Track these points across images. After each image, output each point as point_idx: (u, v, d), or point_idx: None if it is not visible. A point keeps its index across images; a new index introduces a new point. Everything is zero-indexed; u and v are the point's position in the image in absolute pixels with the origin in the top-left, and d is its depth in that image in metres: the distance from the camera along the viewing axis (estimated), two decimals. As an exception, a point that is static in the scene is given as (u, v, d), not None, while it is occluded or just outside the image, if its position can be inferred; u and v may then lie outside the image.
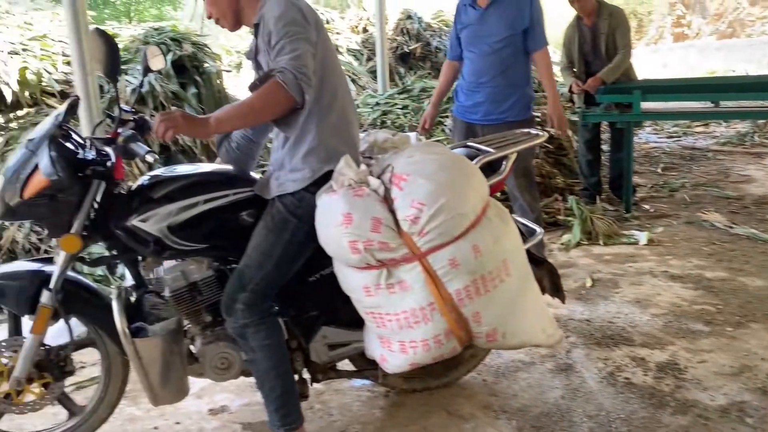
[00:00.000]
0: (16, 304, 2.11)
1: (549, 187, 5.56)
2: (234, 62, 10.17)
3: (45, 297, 2.06)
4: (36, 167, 1.95)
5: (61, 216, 2.02)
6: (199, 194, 2.07)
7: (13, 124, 5.27)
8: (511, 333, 2.00)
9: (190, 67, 6.07)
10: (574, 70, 5.34)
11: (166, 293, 2.13)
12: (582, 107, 5.30)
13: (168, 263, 2.15)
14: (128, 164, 4.55)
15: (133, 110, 2.18)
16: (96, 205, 2.05)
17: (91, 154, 2.06)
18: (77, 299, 2.15)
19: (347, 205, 1.85)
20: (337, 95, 2.07)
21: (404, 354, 1.97)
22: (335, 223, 1.87)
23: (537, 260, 2.40)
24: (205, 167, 2.28)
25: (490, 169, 2.25)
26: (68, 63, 5.64)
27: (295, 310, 2.24)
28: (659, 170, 6.88)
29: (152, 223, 2.03)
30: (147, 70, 2.17)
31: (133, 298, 2.19)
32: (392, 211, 1.86)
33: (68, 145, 2.04)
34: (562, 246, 4.53)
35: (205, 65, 6.21)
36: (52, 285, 2.06)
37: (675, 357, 2.82)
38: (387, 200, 1.88)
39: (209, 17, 2.07)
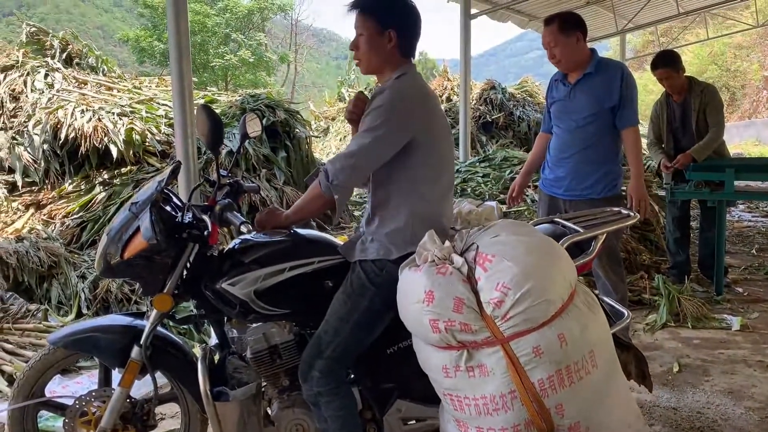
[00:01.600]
0: (109, 357, 2.21)
1: (634, 263, 5.39)
2: (321, 127, 10.59)
3: (135, 352, 2.16)
4: (137, 229, 2.06)
5: (156, 276, 2.11)
6: (286, 261, 2.12)
7: (117, 180, 5.66)
8: (594, 428, 1.87)
9: (281, 132, 6.37)
10: (663, 146, 5.24)
11: (248, 354, 2.17)
12: (670, 183, 5.17)
13: (252, 325, 2.20)
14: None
15: (229, 175, 2.30)
16: (189, 266, 2.14)
17: (188, 218, 2.16)
18: (164, 355, 2.23)
19: (430, 283, 1.83)
20: (439, 184, 2.10)
21: None
22: (417, 299, 1.85)
23: (623, 344, 2.29)
24: (294, 233, 2.31)
25: (577, 248, 2.19)
26: (170, 126, 6.04)
27: (371, 380, 2.21)
28: (753, 251, 6.54)
29: (240, 287, 2.09)
30: (245, 136, 2.32)
31: (216, 359, 2.26)
32: (475, 292, 1.81)
33: (168, 208, 2.16)
34: (647, 326, 4.34)
35: (296, 131, 6.50)
36: (142, 341, 2.15)
37: (772, 457, 2.62)
38: (470, 280, 1.84)
39: (352, 49, 2.14)
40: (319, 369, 2.04)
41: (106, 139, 5.62)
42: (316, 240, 2.29)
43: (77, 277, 4.70)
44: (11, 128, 5.94)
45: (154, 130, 6.00)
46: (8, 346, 4.03)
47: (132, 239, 2.08)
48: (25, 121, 5.95)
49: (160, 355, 2.22)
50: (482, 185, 6.32)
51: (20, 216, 5.38)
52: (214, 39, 27.45)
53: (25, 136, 5.85)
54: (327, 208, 2.07)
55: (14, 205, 5.47)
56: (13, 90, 6.26)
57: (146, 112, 6.22)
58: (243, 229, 1.97)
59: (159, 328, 2.25)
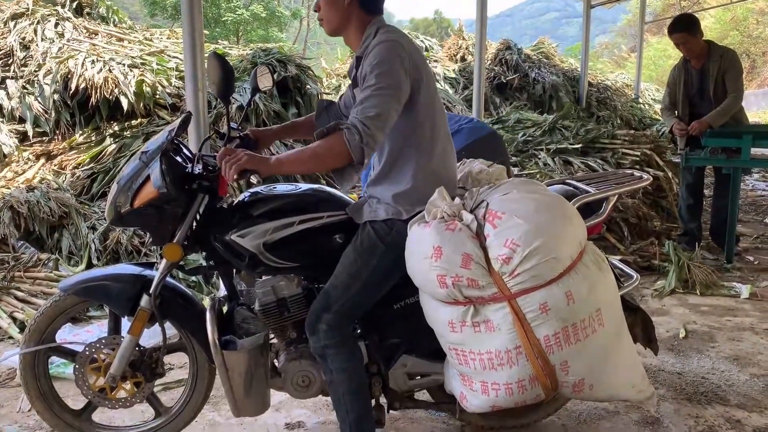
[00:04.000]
0: (118, 305, 2.23)
1: (645, 229, 5.36)
2: (333, 85, 10.47)
3: (144, 301, 2.18)
4: (147, 178, 2.06)
5: (165, 226, 2.12)
6: (295, 214, 2.13)
7: (127, 133, 5.64)
8: (598, 385, 1.92)
9: (292, 88, 6.30)
10: (676, 111, 5.15)
11: (256, 306, 2.19)
12: (685, 150, 5.09)
13: (261, 278, 2.22)
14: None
15: (240, 128, 2.28)
16: (198, 218, 2.14)
17: (198, 169, 2.15)
18: (173, 305, 2.25)
19: (438, 239, 1.85)
20: (438, 138, 2.09)
21: (485, 395, 1.93)
22: (425, 255, 1.86)
23: (631, 307, 2.30)
24: (304, 187, 2.32)
25: (588, 209, 2.20)
26: (181, 78, 5.99)
27: (377, 335, 2.25)
28: (766, 220, 6.48)
29: (249, 239, 2.10)
30: (256, 89, 2.31)
31: (225, 310, 2.27)
32: (484, 249, 1.83)
33: (178, 159, 2.15)
34: (656, 292, 4.34)
35: (307, 87, 6.42)
36: (151, 290, 2.16)
37: (775, 423, 2.63)
38: (479, 236, 1.86)
39: (316, 11, 2.13)
40: (326, 322, 2.06)
41: (116, 90, 5.58)
42: (326, 195, 2.29)
43: (87, 227, 4.72)
44: (21, 77, 5.90)
45: (165, 83, 5.94)
46: (20, 294, 4.09)
47: (142, 188, 2.08)
48: (35, 71, 5.91)
49: (170, 304, 2.23)
50: (494, 147, 6.26)
51: (31, 166, 5.39)
52: (227, -8, 27.02)
53: (36, 85, 5.82)
54: (336, 167, 1.99)
55: (25, 154, 5.47)
56: (23, 38, 6.20)
57: (157, 64, 6.15)
58: (253, 180, 1.93)
59: (168, 279, 2.26)
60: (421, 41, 11.49)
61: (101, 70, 5.69)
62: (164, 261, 2.14)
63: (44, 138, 5.68)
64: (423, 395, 2.44)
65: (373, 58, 1.96)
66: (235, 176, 1.88)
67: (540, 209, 1.85)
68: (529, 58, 10.03)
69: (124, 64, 5.88)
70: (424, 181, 2.03)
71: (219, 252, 2.17)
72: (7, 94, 5.76)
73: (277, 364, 2.30)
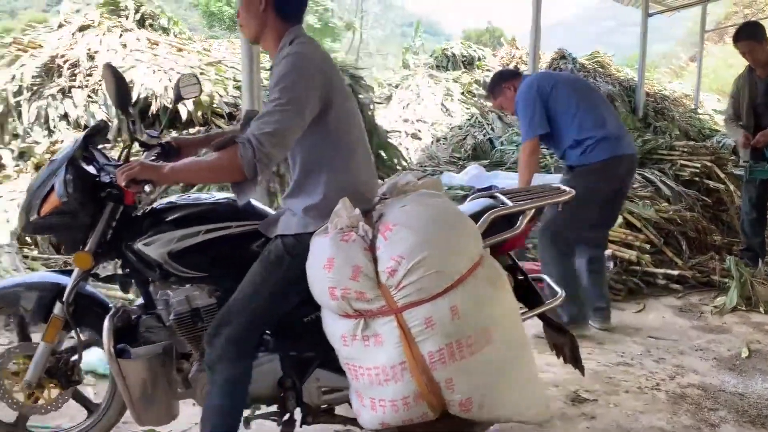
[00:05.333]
0: (32, 312, 2.22)
1: (704, 243, 5.20)
2: (385, 94, 10.53)
3: (57, 308, 2.16)
4: (53, 187, 2.06)
5: (76, 233, 2.13)
6: (202, 224, 2.11)
7: (185, 141, 5.80)
8: (489, 405, 1.84)
9: (345, 97, 6.35)
10: (741, 123, 4.98)
11: (171, 316, 2.15)
12: (748, 162, 4.91)
13: (176, 287, 2.17)
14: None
15: (158, 136, 2.24)
16: (114, 226, 2.13)
17: (108, 178, 2.11)
18: (88, 312, 2.23)
19: (331, 250, 1.82)
20: (353, 152, 2.05)
21: (374, 411, 1.88)
22: (319, 266, 1.84)
23: (556, 327, 2.33)
24: (220, 197, 2.28)
25: (507, 223, 2.14)
26: (238, 88, 6.12)
27: (290, 348, 2.19)
28: (835, 236, 6.19)
29: (154, 248, 2.08)
30: (179, 98, 2.25)
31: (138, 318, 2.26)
32: (375, 261, 1.80)
33: (89, 168, 2.13)
34: (716, 309, 4.19)
35: (360, 96, 6.47)
36: (64, 297, 2.15)
37: None
38: (372, 248, 1.82)
39: (237, 17, 2.11)
40: (225, 335, 1.98)
41: (175, 99, 5.74)
42: (245, 206, 2.21)
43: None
44: (87, 86, 6.13)
45: (222, 92, 6.09)
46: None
47: (48, 196, 2.08)
48: (99, 80, 6.13)
49: (85, 312, 2.22)
50: (548, 157, 6.18)
51: (94, 172, 5.60)
52: (282, 4, 27.51)
53: (100, 94, 6.03)
54: (226, 182, 1.98)
55: (89, 161, 5.68)
56: (89, 49, 6.45)
57: (215, 74, 6.31)
58: (146, 188, 1.91)
59: (89, 288, 2.30)
60: (474, 51, 11.47)
61: (161, 79, 5.87)
62: (76, 269, 2.13)
63: (107, 145, 5.87)
64: (344, 409, 2.28)
65: (280, 70, 1.91)
66: (123, 184, 1.89)
67: (430, 222, 1.82)
68: (584, 67, 9.89)
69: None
70: (337, 194, 1.95)
71: (131, 261, 2.15)
72: (74, 102, 6.00)
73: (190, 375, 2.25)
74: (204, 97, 5.88)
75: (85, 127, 5.93)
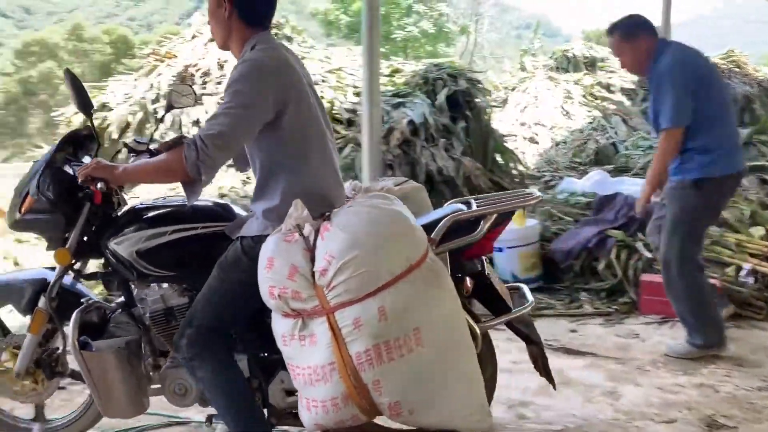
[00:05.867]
0: (20, 305, 2.35)
1: None
2: (501, 98, 10.38)
3: (41, 302, 2.25)
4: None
5: (56, 231, 2.23)
6: (169, 224, 2.16)
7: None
8: (420, 410, 1.81)
9: (462, 102, 6.31)
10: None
11: (146, 314, 2.22)
12: None
13: (153, 286, 2.23)
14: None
15: (146, 142, 2.34)
16: (96, 225, 2.23)
17: None
18: (72, 307, 2.28)
19: (273, 250, 1.84)
20: (311, 157, 2.03)
21: (308, 412, 1.88)
22: (262, 266, 1.86)
23: (524, 337, 2.29)
24: (201, 199, 2.29)
25: (470, 228, 2.09)
26: (357, 94, 6.25)
27: (256, 349, 2.21)
28: None
29: (124, 246, 2.15)
30: (170, 107, 2.30)
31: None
32: (313, 261, 1.80)
33: (68, 169, 2.24)
34: None
35: (476, 100, 6.41)
36: (47, 292, 2.25)
37: None
38: (312, 249, 1.81)
39: (209, 23, 2.15)
40: (187, 337, 2.02)
41: (298, 105, 5.95)
42: (208, 207, 2.28)
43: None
44: (216, 94, 6.49)
45: (342, 98, 6.24)
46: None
47: (28, 196, 2.22)
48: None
49: (69, 307, 2.27)
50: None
51: (224, 175, 5.90)
52: (398, 10, 27.90)
53: (228, 101, 6.37)
54: (174, 182, 2.02)
55: (217, 165, 6.01)
56: (219, 59, 6.83)
57: (336, 80, 6.48)
58: (100, 186, 2.03)
59: (77, 285, 2.39)
60: (595, 52, 11.04)
61: (285, 87, 6.10)
62: (57, 265, 2.23)
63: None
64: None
65: (233, 75, 1.93)
66: (80, 181, 2.03)
67: (369, 222, 1.81)
68: (718, 67, 9.25)
69: (305, 81, 6.27)
70: (294, 198, 1.94)
71: (109, 259, 2.23)
72: (205, 110, 6.37)
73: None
74: (325, 104, 6.06)
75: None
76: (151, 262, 2.16)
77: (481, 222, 2.10)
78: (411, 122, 5.73)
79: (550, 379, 2.36)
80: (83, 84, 2.23)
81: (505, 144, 6.69)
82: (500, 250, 4.45)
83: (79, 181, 2.06)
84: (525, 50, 16.50)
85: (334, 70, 6.73)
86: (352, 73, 6.72)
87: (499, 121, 8.81)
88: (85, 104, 2.19)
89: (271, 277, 1.84)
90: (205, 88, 6.58)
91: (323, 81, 6.43)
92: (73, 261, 2.25)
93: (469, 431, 1.95)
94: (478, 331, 2.06)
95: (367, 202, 1.91)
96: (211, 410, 2.19)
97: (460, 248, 2.13)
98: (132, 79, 7.08)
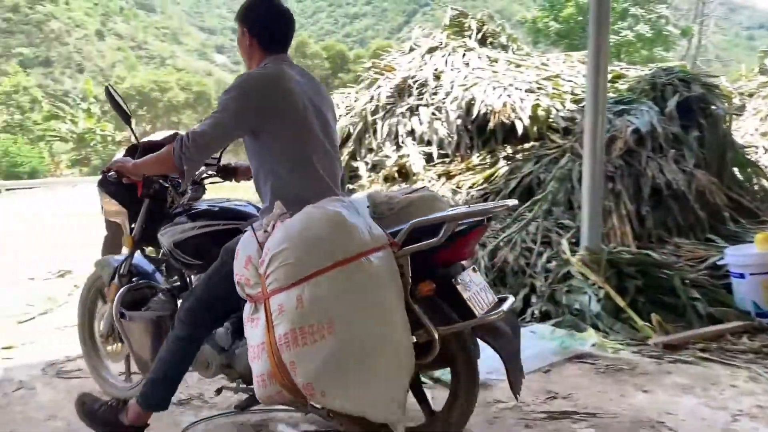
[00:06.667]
0: (106, 279, 2.88)
1: None
2: (735, 105, 9.31)
3: (115, 278, 2.77)
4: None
5: (131, 219, 2.79)
6: (198, 220, 2.58)
7: (519, 156, 5.82)
8: (331, 394, 2.01)
9: (695, 109, 5.72)
10: None
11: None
12: None
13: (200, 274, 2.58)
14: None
15: (217, 157, 2.83)
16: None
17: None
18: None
19: (241, 243, 2.16)
20: (296, 165, 2.32)
21: (255, 385, 2.12)
22: (235, 257, 2.16)
23: (494, 348, 2.27)
24: (235, 200, 2.77)
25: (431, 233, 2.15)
26: (576, 102, 5.96)
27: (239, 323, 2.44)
28: None
29: (166, 237, 2.61)
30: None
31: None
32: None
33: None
34: None
35: (712, 107, 5.77)
36: (119, 270, 2.79)
37: None
38: (263, 243, 2.08)
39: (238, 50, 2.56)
40: (185, 306, 2.41)
41: (513, 115, 5.81)
42: (232, 207, 2.69)
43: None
44: (432, 105, 6.58)
45: (559, 106, 5.98)
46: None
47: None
48: (443, 98, 6.53)
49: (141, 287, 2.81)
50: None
51: (433, 184, 5.95)
52: (612, 14, 26.57)
53: (443, 111, 6.42)
54: (170, 173, 2.59)
55: (429, 173, 6.07)
56: (436, 69, 6.93)
57: (552, 88, 6.24)
58: (112, 175, 2.64)
59: (146, 266, 2.89)
60: None
61: (500, 95, 6.00)
62: (124, 248, 2.80)
63: (446, 159, 6.23)
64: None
65: (228, 86, 2.34)
66: (108, 175, 2.65)
67: (299, 221, 2.06)
68: None
69: (521, 90, 6.11)
70: (281, 200, 2.23)
71: (162, 248, 2.68)
72: (419, 120, 6.49)
73: None
74: (540, 112, 5.86)
75: (428, 142, 6.37)
76: (183, 251, 2.58)
77: (444, 227, 2.17)
78: (636, 131, 5.30)
79: (514, 390, 2.35)
80: (122, 97, 2.72)
81: (746, 156, 5.93)
82: (741, 276, 3.95)
83: (110, 176, 2.63)
84: (765, 51, 14.72)
85: (551, 77, 6.48)
86: (570, 79, 6.42)
87: (735, 131, 7.89)
88: (124, 115, 2.70)
89: (235, 266, 2.14)
90: (421, 99, 6.70)
91: (539, 88, 6.22)
92: (137, 247, 2.80)
93: (376, 420, 2.10)
94: (435, 334, 2.14)
95: (320, 204, 2.14)
96: (225, 382, 2.61)
97: (432, 253, 2.20)
98: (353, 92, 7.44)
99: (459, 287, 2.30)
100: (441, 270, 2.30)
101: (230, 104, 2.30)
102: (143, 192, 2.70)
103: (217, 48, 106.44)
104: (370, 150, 6.55)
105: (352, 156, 6.56)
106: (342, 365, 2.03)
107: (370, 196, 2.42)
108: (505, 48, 7.67)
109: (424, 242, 2.20)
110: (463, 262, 2.42)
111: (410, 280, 2.17)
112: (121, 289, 2.74)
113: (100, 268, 3.01)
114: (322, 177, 2.40)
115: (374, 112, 6.72)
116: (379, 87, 7.00)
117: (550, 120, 5.87)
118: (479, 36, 7.65)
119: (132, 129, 2.78)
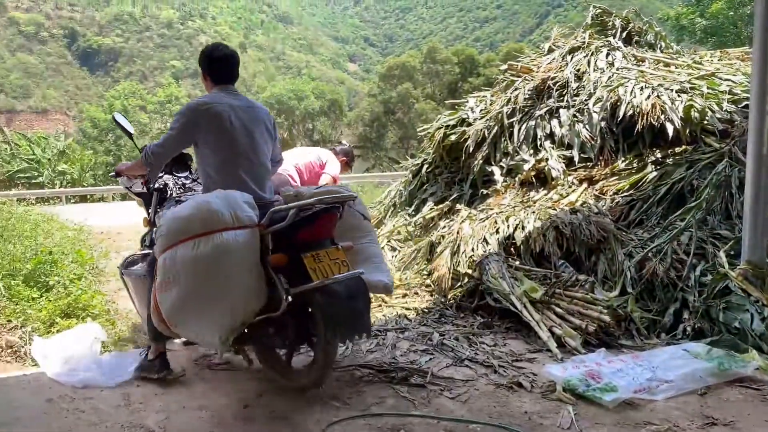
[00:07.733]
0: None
1: None
2: None
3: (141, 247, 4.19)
4: None
5: (146, 206, 4.02)
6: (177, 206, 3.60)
7: (669, 160, 5.43)
8: (179, 327, 3.08)
9: None
10: None
11: None
12: None
13: None
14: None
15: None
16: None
17: (161, 181, 4.05)
18: None
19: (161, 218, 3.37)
20: (221, 176, 3.37)
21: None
22: None
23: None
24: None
25: (304, 219, 3.11)
26: (734, 102, 5.48)
27: None
28: None
29: (158, 218, 3.64)
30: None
31: None
32: None
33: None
34: None
35: None
36: (144, 242, 4.12)
37: None
38: None
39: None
40: (150, 257, 3.57)
41: (662, 116, 5.44)
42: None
43: (624, 254, 4.70)
44: (573, 106, 6.31)
45: (715, 108, 5.52)
46: (558, 311, 4.32)
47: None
48: (585, 100, 6.24)
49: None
50: None
51: (574, 189, 5.70)
52: None
53: (585, 113, 6.13)
54: (143, 172, 3.74)
55: (570, 179, 5.82)
56: (578, 70, 6.64)
57: (707, 88, 5.77)
58: (111, 175, 4.15)
59: None
60: None
61: (649, 96, 5.64)
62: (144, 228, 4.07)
63: (588, 164, 5.94)
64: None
65: (177, 111, 3.51)
66: (112, 174, 3.98)
67: (181, 206, 3.21)
68: None
69: (671, 90, 5.71)
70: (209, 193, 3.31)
71: None
72: (559, 122, 6.24)
73: None
74: (694, 114, 5.44)
75: (568, 146, 6.12)
76: None
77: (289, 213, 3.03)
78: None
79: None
80: (127, 120, 4.05)
81: None
82: None
83: (111, 176, 4.04)
84: None
85: (706, 77, 6.00)
86: (728, 78, 5.91)
87: None
88: (128, 133, 4.00)
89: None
90: (562, 100, 6.45)
91: (692, 89, 5.77)
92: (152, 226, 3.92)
93: (209, 347, 3.57)
94: (283, 294, 2.97)
95: (203, 195, 3.28)
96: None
97: (294, 232, 3.05)
98: (488, 94, 7.31)
99: (306, 260, 3.00)
100: (301, 246, 3.04)
101: (176, 125, 3.43)
102: (146, 186, 3.90)
103: (350, 57, 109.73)
104: (506, 154, 6.38)
105: (486, 160, 6.42)
106: (183, 308, 2.99)
107: (281, 193, 3.34)
108: (652, 47, 7.22)
109: (276, 226, 3.03)
110: (344, 243, 3.22)
111: (270, 253, 3.03)
112: (126, 255, 4.08)
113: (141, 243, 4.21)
114: (245, 180, 3.37)
115: (511, 115, 6.54)
116: (516, 89, 6.82)
117: (705, 122, 5.43)
118: (624, 35, 7.25)
119: (134, 142, 4.14)
